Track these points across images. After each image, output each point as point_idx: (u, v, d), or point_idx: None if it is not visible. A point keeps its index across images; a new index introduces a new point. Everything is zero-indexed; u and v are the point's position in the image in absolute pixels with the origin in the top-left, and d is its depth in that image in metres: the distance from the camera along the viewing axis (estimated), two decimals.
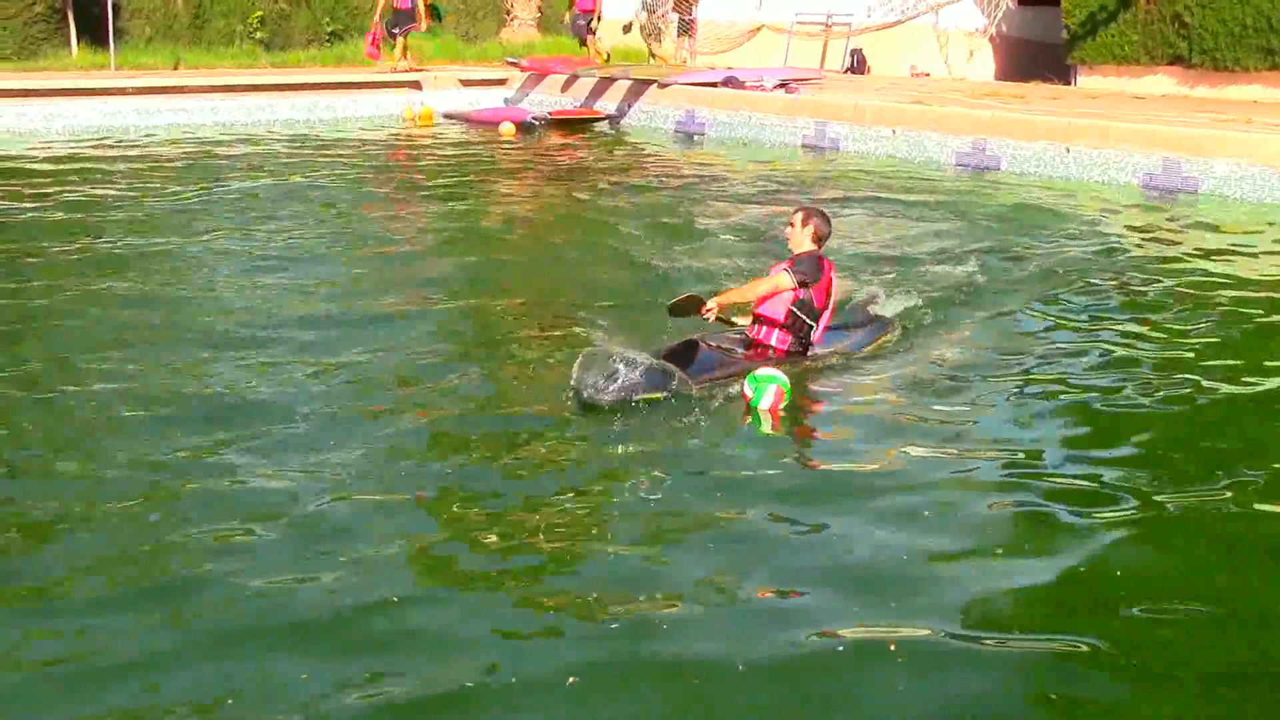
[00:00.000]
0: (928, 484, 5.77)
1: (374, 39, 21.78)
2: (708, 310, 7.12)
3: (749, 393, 6.54)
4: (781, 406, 6.52)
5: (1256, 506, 5.56)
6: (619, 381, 6.25)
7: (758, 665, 4.19)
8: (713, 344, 7.12)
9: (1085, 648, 4.36)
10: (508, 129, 19.38)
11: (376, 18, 21.81)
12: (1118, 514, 5.44)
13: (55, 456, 5.87)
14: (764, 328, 7.24)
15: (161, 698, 3.97)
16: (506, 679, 4.09)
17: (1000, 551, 5.11)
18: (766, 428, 6.47)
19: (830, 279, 7.25)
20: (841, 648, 4.33)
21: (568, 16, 24.13)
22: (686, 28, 23.19)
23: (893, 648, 4.28)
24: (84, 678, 4.09)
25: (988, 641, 4.42)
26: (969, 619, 4.55)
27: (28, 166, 15.08)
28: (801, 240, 7.26)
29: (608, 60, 22.74)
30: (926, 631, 4.42)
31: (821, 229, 7.29)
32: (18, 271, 9.66)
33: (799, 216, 7.33)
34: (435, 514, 5.40)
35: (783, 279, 7.10)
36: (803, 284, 7.07)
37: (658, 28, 23.05)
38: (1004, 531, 5.35)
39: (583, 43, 23.03)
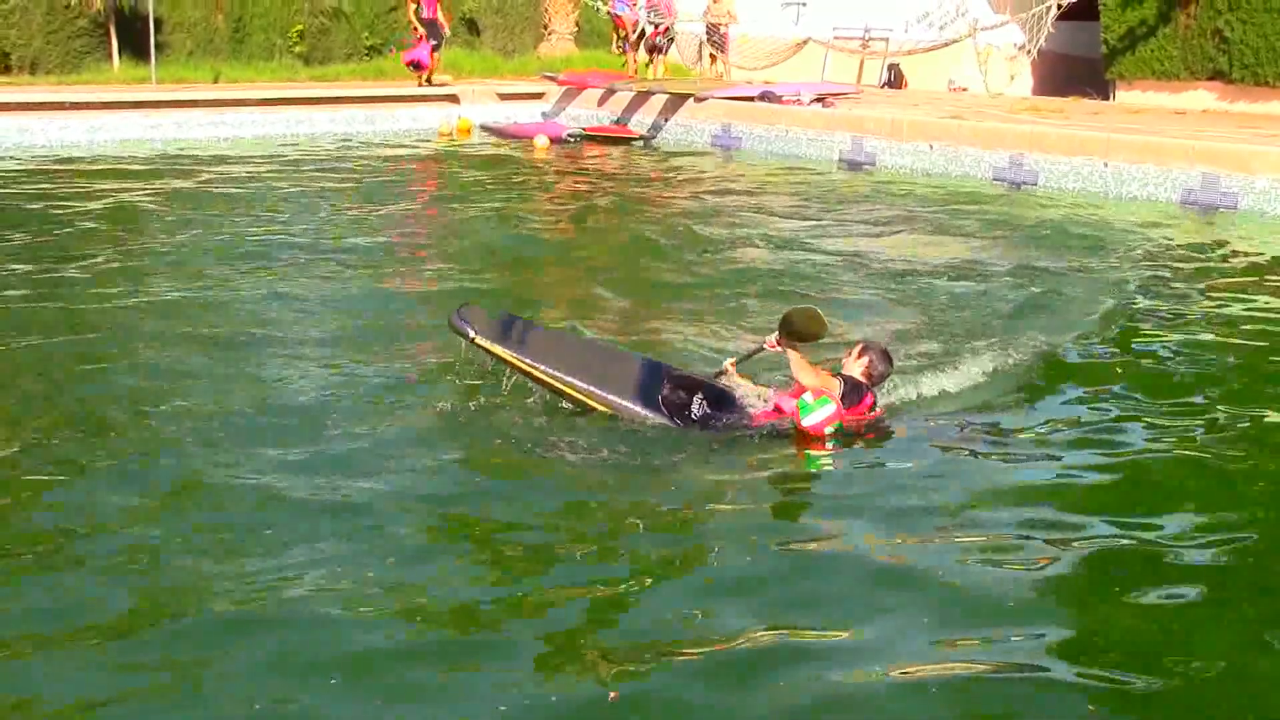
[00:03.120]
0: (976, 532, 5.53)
1: (432, 52, 21.99)
2: (773, 344, 6.43)
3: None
4: (805, 422, 6.22)
5: None
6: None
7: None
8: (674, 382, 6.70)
9: None
10: (542, 143, 19.43)
11: (422, 32, 21.95)
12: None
13: (83, 455, 5.92)
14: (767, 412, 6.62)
15: None
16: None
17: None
18: (788, 448, 6.35)
19: (861, 416, 6.49)
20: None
21: (614, 43, 24.22)
22: (719, 43, 23.20)
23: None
24: None
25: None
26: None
27: (72, 177, 15.21)
28: (852, 371, 6.62)
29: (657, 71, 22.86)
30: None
31: (876, 368, 6.63)
32: (60, 277, 9.74)
33: (857, 348, 6.74)
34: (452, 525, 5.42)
35: (831, 379, 6.38)
36: (845, 399, 6.36)
37: (656, 44, 23.04)
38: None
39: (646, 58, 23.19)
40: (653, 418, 6.47)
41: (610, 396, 6.49)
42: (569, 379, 6.48)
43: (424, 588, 4.74)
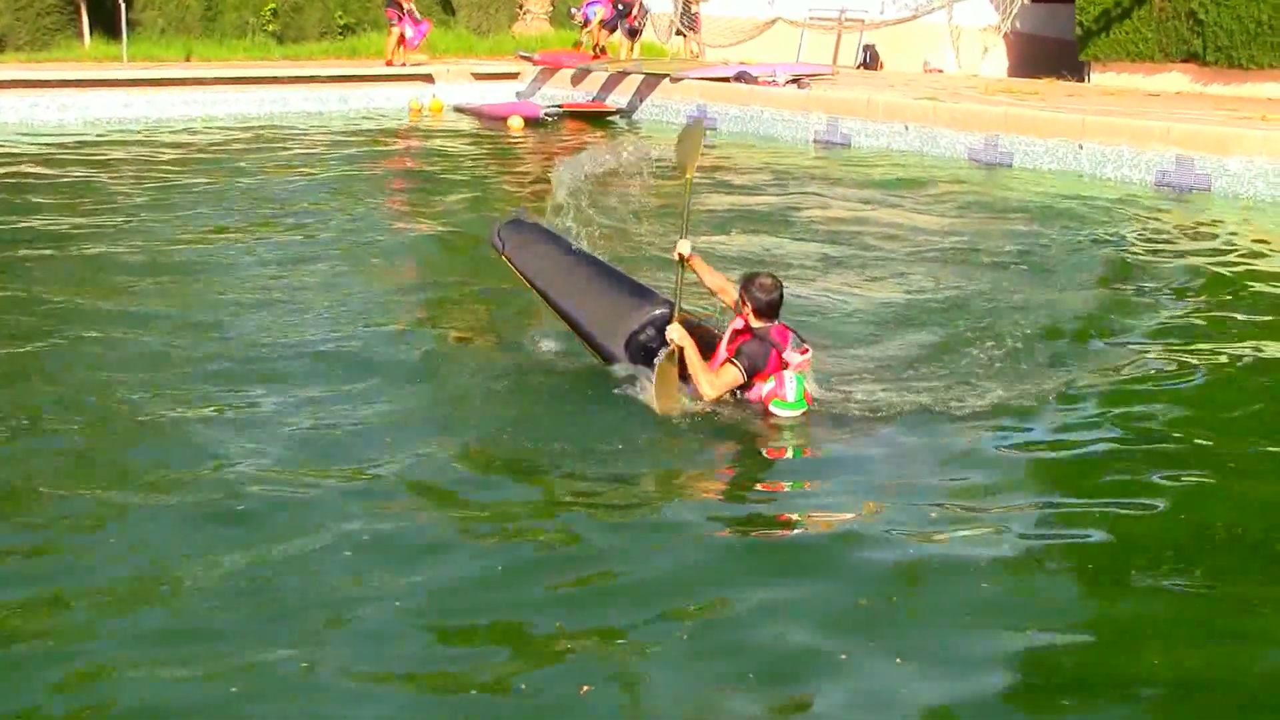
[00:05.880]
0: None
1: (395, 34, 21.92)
2: (684, 253, 6.42)
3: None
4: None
5: None
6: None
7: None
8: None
9: None
10: (516, 124, 19.32)
11: (409, 7, 21.79)
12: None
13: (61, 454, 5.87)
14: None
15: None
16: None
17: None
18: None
19: (782, 361, 6.13)
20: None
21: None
22: (690, 23, 23.09)
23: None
24: None
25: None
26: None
27: (41, 156, 15.09)
28: (748, 317, 6.17)
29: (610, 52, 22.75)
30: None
31: (757, 300, 6.09)
32: (30, 259, 9.66)
33: (738, 293, 6.22)
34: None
35: (729, 372, 6.12)
36: (750, 373, 6.11)
37: (634, 28, 22.91)
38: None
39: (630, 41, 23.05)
40: (616, 358, 6.66)
41: (589, 327, 6.78)
42: (565, 305, 6.86)
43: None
